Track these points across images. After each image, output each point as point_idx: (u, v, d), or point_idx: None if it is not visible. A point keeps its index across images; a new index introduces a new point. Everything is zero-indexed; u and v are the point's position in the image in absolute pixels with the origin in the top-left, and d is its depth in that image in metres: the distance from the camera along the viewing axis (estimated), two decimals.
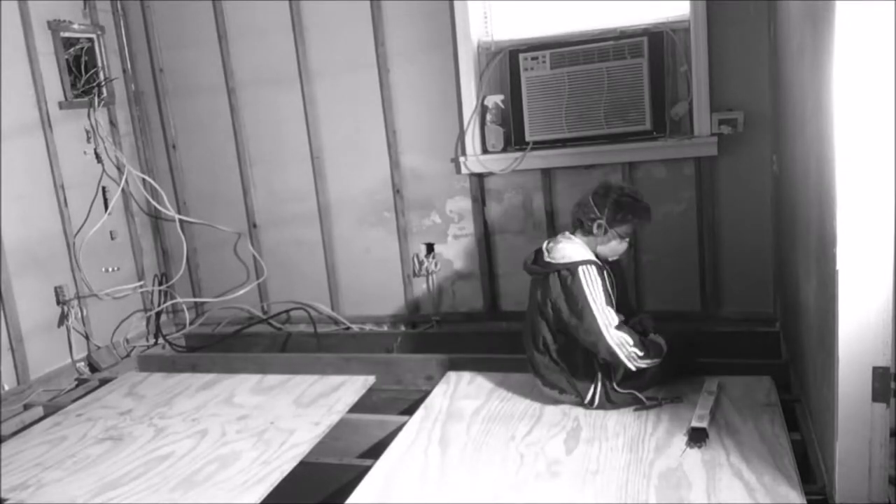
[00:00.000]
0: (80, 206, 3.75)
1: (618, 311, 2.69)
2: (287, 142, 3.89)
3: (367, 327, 3.93)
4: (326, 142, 3.84)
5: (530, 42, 3.48)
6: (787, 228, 2.84)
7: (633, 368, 2.55)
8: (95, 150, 3.84)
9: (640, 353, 2.54)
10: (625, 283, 2.89)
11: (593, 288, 2.56)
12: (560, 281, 2.62)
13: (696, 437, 2.36)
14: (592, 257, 2.64)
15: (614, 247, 2.68)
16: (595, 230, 2.65)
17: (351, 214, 3.89)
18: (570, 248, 2.64)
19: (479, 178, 3.65)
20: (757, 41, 3.18)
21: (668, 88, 3.33)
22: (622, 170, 3.42)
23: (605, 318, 2.54)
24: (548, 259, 2.66)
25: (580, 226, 2.70)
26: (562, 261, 2.62)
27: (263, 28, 3.79)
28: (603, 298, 2.56)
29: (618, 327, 2.55)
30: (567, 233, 2.73)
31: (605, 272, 2.66)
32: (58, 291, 3.59)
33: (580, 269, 2.58)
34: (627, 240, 2.69)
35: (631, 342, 2.53)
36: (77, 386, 3.54)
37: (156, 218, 4.17)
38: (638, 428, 2.49)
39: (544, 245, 2.72)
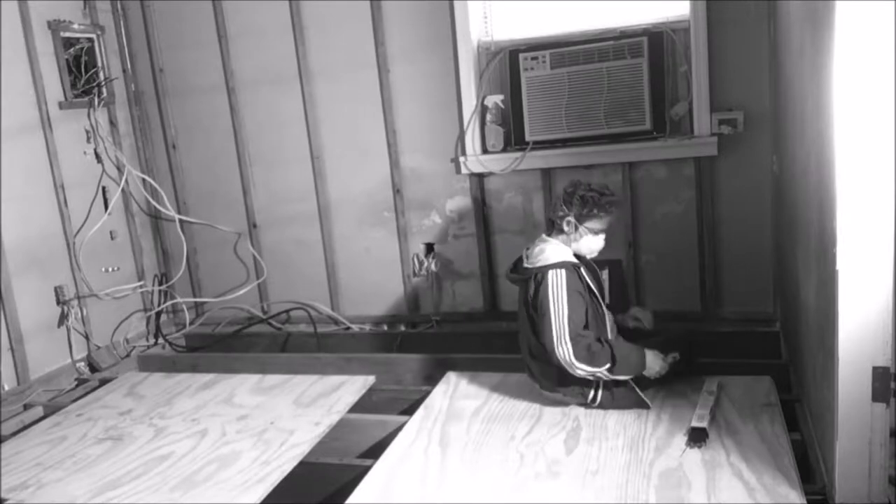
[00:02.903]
0: (80, 206, 3.75)
1: (613, 310, 2.73)
2: (287, 142, 3.89)
3: (367, 327, 3.93)
4: (326, 142, 3.84)
5: (530, 42, 3.48)
6: (787, 228, 2.84)
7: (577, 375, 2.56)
8: (95, 150, 3.84)
9: (587, 368, 2.53)
10: (623, 281, 2.88)
11: (558, 294, 2.56)
12: (534, 284, 2.63)
13: (696, 437, 2.36)
14: (568, 258, 2.63)
15: (588, 243, 2.67)
16: (566, 228, 2.66)
17: (351, 214, 3.89)
18: (546, 251, 2.65)
19: (479, 178, 3.65)
20: (757, 41, 3.18)
21: (668, 88, 3.33)
22: (622, 170, 3.42)
23: (560, 329, 2.53)
24: (525, 264, 2.68)
25: (552, 226, 2.72)
26: (536, 264, 2.64)
27: (263, 28, 3.79)
28: (566, 306, 2.54)
29: (574, 343, 2.52)
30: (543, 234, 2.74)
31: (581, 271, 2.63)
32: (58, 291, 3.59)
33: (549, 273, 2.59)
34: (601, 235, 2.69)
35: (577, 363, 2.51)
36: (77, 386, 3.54)
37: (156, 218, 4.17)
38: (638, 428, 2.49)
39: (524, 251, 2.74)
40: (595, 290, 2.68)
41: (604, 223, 2.65)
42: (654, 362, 2.60)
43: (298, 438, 2.66)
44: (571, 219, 2.64)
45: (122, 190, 3.95)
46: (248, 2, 3.79)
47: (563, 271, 2.59)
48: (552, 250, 2.64)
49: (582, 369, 2.53)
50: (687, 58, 3.27)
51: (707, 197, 3.36)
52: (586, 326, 2.59)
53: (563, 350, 2.52)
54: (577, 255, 2.70)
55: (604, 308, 2.72)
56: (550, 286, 2.57)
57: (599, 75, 3.33)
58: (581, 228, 2.64)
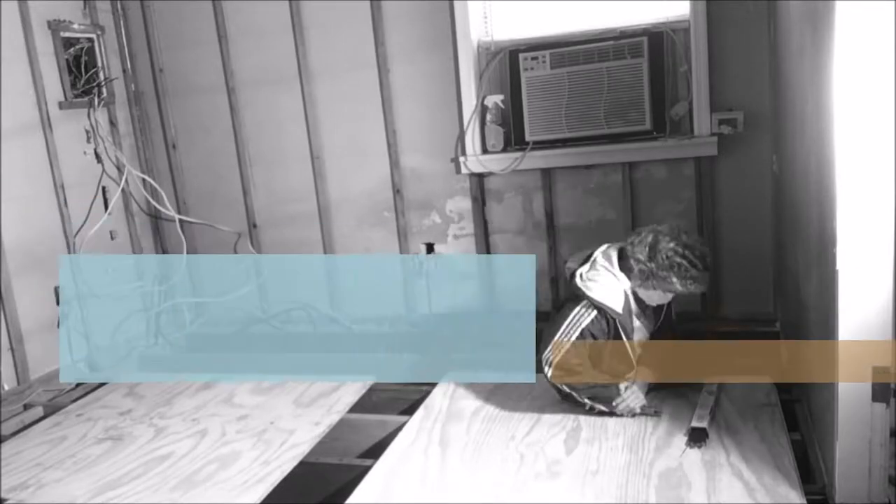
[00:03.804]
0: (80, 206, 3.74)
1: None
2: (287, 142, 3.89)
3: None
4: (326, 142, 3.84)
5: (530, 42, 3.48)
6: (787, 228, 2.84)
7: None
8: (95, 150, 3.84)
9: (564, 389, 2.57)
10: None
11: (573, 327, 2.53)
12: (570, 294, 2.61)
13: (696, 437, 2.36)
14: (612, 303, 2.51)
15: (651, 296, 2.53)
16: (637, 273, 2.48)
17: (351, 214, 3.89)
18: (599, 284, 2.53)
19: (479, 178, 3.65)
20: (757, 41, 3.18)
21: (668, 88, 3.33)
22: (622, 170, 3.42)
23: (556, 350, 2.52)
24: (580, 285, 2.57)
25: (623, 264, 2.53)
26: (584, 287, 2.55)
27: (263, 28, 3.79)
28: (574, 338, 2.51)
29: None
30: (614, 257, 2.56)
31: (611, 321, 2.53)
32: (58, 291, 3.59)
33: (583, 303, 2.53)
34: (670, 295, 2.53)
35: (555, 382, 2.56)
36: (77, 386, 3.54)
37: (156, 218, 4.17)
38: (638, 428, 2.49)
39: (586, 267, 2.59)
40: (627, 340, 2.56)
41: (678, 290, 2.47)
42: (631, 400, 2.53)
43: (298, 438, 2.66)
44: (646, 270, 2.45)
45: (122, 190, 3.95)
46: (248, 2, 3.79)
47: (595, 314, 2.53)
48: (607, 284, 2.53)
49: (560, 388, 2.59)
50: (687, 58, 3.27)
51: (707, 197, 3.36)
52: None
53: (546, 369, 2.56)
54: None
55: (633, 355, 2.59)
56: (574, 314, 2.54)
57: (599, 75, 3.33)
58: (653, 281, 2.47)
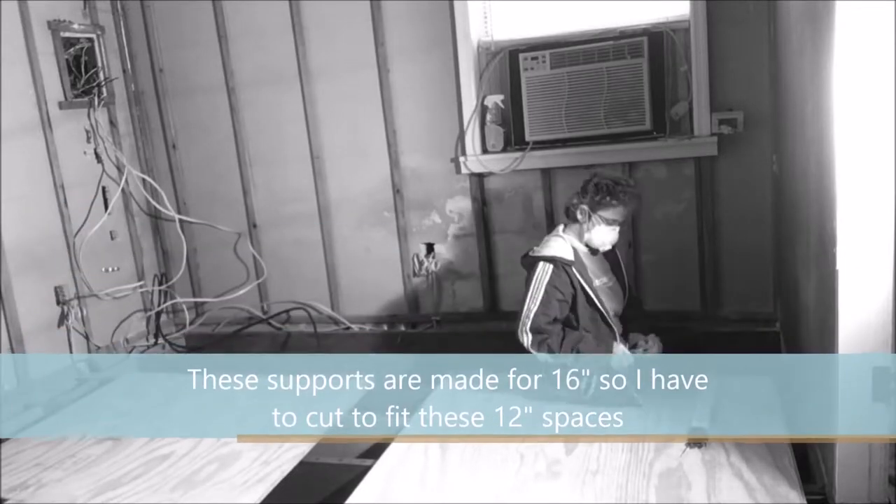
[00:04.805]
0: (80, 206, 3.74)
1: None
2: (287, 142, 3.89)
3: (367, 327, 3.92)
4: (326, 142, 3.84)
5: (530, 42, 3.48)
6: (787, 228, 2.84)
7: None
8: (95, 150, 3.84)
9: (547, 359, 2.67)
10: (619, 266, 2.95)
11: (537, 286, 2.70)
12: (527, 270, 2.78)
13: None
14: (563, 254, 2.72)
15: (601, 234, 2.76)
16: (579, 216, 2.76)
17: (351, 214, 3.89)
18: (550, 243, 2.77)
19: (479, 178, 3.65)
20: (757, 41, 3.18)
21: (668, 88, 3.33)
22: (622, 170, 3.41)
23: (525, 319, 2.69)
24: (531, 253, 2.80)
25: (568, 213, 2.82)
26: (535, 254, 2.76)
27: (263, 28, 3.79)
28: (538, 300, 2.68)
29: (533, 336, 2.67)
30: (560, 227, 2.85)
31: (572, 270, 2.71)
32: (58, 291, 3.59)
33: (539, 265, 2.73)
34: (615, 227, 2.76)
35: (535, 352, 2.69)
36: (77, 386, 3.54)
37: (156, 218, 4.17)
38: (638, 428, 2.48)
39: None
40: (590, 289, 2.73)
41: (617, 213, 2.73)
42: (621, 361, 2.67)
43: None
44: (585, 207, 2.74)
45: (122, 190, 3.95)
46: (248, 2, 3.79)
47: (551, 267, 2.71)
48: (554, 243, 2.76)
49: (543, 357, 2.67)
50: (687, 58, 3.27)
51: (707, 197, 3.36)
52: (557, 320, 2.71)
53: (524, 338, 2.69)
54: (591, 248, 2.80)
55: (603, 305, 2.75)
56: (535, 277, 2.72)
57: (599, 75, 3.33)
58: (594, 217, 2.73)
